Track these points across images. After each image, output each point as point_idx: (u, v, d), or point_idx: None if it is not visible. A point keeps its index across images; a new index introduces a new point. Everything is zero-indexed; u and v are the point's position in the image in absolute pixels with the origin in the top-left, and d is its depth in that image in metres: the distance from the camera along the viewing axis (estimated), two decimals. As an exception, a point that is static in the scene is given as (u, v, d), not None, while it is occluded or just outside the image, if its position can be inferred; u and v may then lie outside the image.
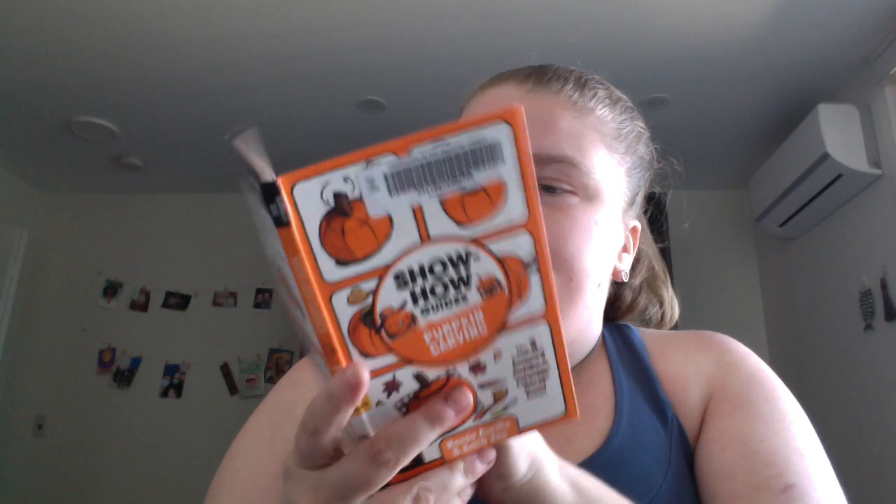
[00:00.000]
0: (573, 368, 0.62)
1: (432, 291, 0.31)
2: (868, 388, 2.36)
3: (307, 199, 0.28)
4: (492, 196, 0.30)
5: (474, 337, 0.32)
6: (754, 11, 2.04)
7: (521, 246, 0.31)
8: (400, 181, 0.29)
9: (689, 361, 0.61)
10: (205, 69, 2.40)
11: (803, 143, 2.41)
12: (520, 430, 0.35)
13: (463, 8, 2.05)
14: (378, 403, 0.33)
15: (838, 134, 2.28)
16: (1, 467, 3.21)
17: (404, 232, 0.30)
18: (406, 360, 0.32)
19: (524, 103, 0.55)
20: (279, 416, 0.60)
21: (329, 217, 0.29)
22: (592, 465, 0.53)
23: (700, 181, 3.30)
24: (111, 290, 3.47)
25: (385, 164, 0.29)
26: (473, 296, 0.32)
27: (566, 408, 0.35)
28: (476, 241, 0.31)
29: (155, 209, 3.59)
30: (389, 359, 0.32)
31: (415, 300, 0.31)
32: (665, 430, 0.57)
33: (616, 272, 0.61)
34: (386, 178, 0.29)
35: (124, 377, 3.34)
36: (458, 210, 0.30)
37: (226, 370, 3.35)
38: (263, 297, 3.43)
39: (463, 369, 0.33)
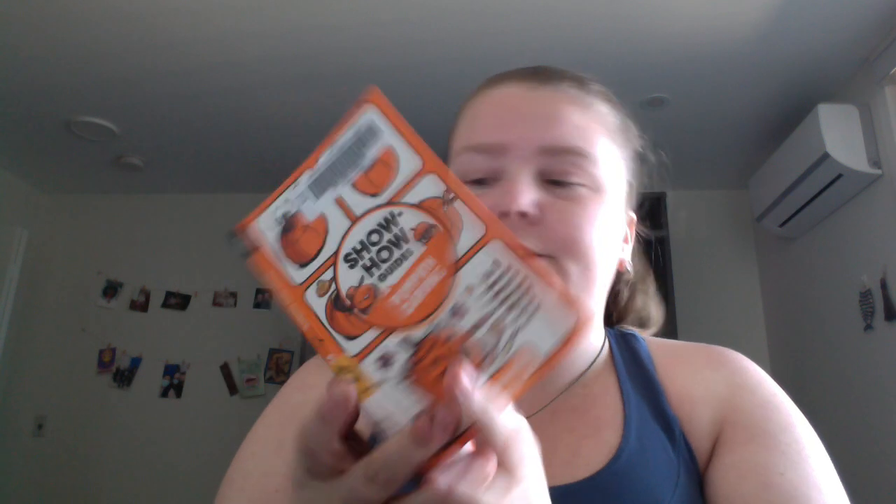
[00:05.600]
0: (582, 374, 0.62)
1: (380, 258, 0.35)
2: (868, 388, 2.36)
3: (267, 227, 0.37)
4: (387, 162, 0.36)
5: (437, 282, 0.35)
6: (754, 11, 2.04)
7: (428, 187, 0.35)
8: (319, 186, 0.37)
9: (697, 379, 0.60)
10: (205, 69, 2.40)
11: (803, 143, 2.41)
12: (545, 359, 0.33)
13: (463, 8, 2.05)
14: (380, 384, 0.34)
15: (838, 134, 2.28)
16: (1, 467, 3.21)
17: (337, 222, 0.36)
18: (387, 329, 0.34)
19: (528, 101, 0.58)
20: (288, 417, 0.59)
21: (284, 233, 0.37)
22: (601, 479, 0.52)
23: (700, 181, 3.30)
24: (111, 290, 3.47)
25: (304, 179, 0.37)
26: (415, 246, 0.35)
27: (573, 310, 0.33)
28: (391, 202, 0.36)
29: (155, 209, 3.60)
30: (372, 333, 0.34)
31: (368, 271, 0.35)
32: (673, 446, 0.56)
33: (620, 263, 0.62)
34: (309, 188, 0.37)
35: (124, 377, 3.34)
36: (367, 185, 0.36)
37: (226, 370, 3.35)
38: (263, 297, 3.43)
39: (444, 318, 0.34)
